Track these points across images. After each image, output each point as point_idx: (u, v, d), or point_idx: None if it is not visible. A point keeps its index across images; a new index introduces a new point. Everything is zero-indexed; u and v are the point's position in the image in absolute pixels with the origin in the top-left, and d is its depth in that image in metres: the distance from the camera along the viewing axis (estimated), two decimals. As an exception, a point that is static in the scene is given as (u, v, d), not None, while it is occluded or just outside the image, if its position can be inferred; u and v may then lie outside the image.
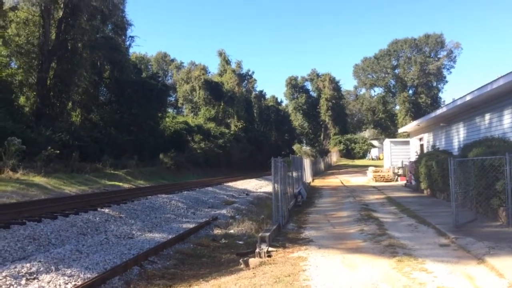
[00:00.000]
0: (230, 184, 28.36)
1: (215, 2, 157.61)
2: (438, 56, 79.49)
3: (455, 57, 79.48)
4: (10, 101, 26.65)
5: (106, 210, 12.55)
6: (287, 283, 5.94)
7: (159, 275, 7.78)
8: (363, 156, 75.40)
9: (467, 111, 15.89)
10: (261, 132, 70.88)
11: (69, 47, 30.70)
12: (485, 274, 6.06)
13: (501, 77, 11.52)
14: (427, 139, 23.06)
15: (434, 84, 79.24)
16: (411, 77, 77.73)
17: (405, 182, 24.15)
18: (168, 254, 9.28)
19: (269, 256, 7.92)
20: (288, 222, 11.52)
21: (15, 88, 28.76)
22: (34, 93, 29.30)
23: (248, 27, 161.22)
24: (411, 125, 26.05)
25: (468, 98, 14.14)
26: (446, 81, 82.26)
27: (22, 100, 29.47)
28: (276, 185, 10.39)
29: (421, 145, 24.61)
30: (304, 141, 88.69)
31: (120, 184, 24.01)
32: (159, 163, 35.62)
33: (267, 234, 8.51)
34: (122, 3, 38.39)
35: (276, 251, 8.21)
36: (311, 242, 8.84)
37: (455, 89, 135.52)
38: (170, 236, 10.65)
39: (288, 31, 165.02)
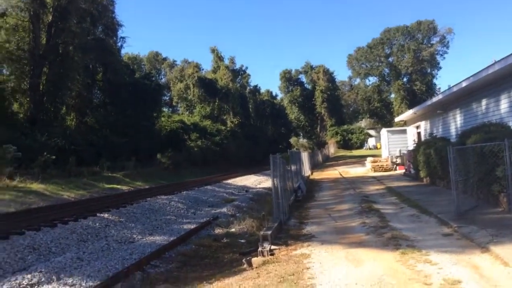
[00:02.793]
0: (229, 181, 28.29)
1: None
2: (431, 42, 79.27)
3: (448, 42, 79.29)
4: (3, 108, 26.48)
5: (106, 215, 12.45)
6: (291, 283, 5.88)
7: (162, 279, 7.70)
8: (361, 146, 75.47)
9: (464, 97, 15.84)
10: (257, 127, 70.75)
11: (60, 51, 30.47)
12: (490, 263, 6.04)
13: (497, 62, 11.46)
14: (424, 126, 23.02)
15: (428, 70, 79.06)
16: (405, 65, 77.55)
17: (403, 171, 24.16)
18: (170, 256, 9.19)
19: (272, 254, 7.86)
20: (289, 218, 11.46)
21: (7, 95, 28.51)
22: (27, 99, 29.08)
23: (239, 22, 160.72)
24: (408, 114, 26.00)
25: (464, 84, 14.09)
26: (440, 67, 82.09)
27: (15, 106, 29.24)
28: (275, 181, 10.32)
29: (418, 133, 24.58)
30: (301, 134, 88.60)
31: (119, 186, 23.91)
32: (157, 163, 35.49)
33: (269, 232, 8.43)
34: (111, 4, 38.08)
35: (279, 249, 8.15)
36: (314, 238, 8.79)
37: (450, 75, 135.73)
38: (171, 238, 10.57)
39: (280, 24, 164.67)
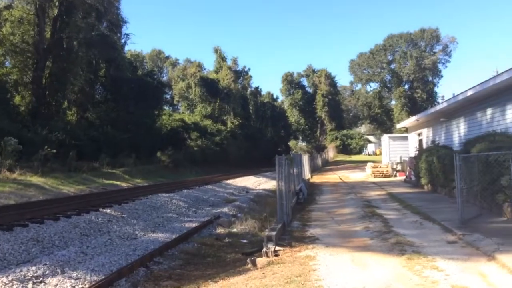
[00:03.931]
0: (229, 181, 28.27)
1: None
2: (434, 50, 79.54)
3: (450, 51, 79.57)
4: (5, 101, 26.44)
5: (108, 211, 12.43)
6: (299, 284, 5.86)
7: (166, 275, 7.69)
8: (360, 152, 75.41)
9: (468, 106, 15.88)
10: (257, 129, 70.76)
11: (65, 46, 30.46)
12: (497, 272, 6.03)
13: (505, 72, 11.49)
14: (427, 134, 23.06)
15: (430, 78, 79.25)
16: (406, 72, 77.68)
17: (404, 177, 24.18)
18: (173, 254, 9.18)
19: (277, 255, 7.85)
20: (292, 220, 11.45)
21: (10, 87, 28.55)
22: (30, 92, 29.07)
23: (243, 23, 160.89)
24: (410, 120, 26.04)
25: (469, 93, 14.12)
26: (442, 76, 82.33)
27: (17, 99, 29.22)
28: (280, 183, 10.30)
29: (420, 140, 24.61)
30: (300, 137, 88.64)
31: (118, 183, 23.88)
32: (157, 161, 35.49)
33: (274, 233, 8.42)
34: (117, 0, 38.08)
35: (283, 250, 8.13)
36: (318, 241, 8.78)
37: (451, 84, 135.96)
38: (173, 236, 10.55)
39: (284, 27, 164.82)
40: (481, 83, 13.14)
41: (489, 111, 14.16)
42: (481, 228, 8.69)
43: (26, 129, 24.73)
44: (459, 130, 17.43)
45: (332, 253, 7.63)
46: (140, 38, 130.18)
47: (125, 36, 41.78)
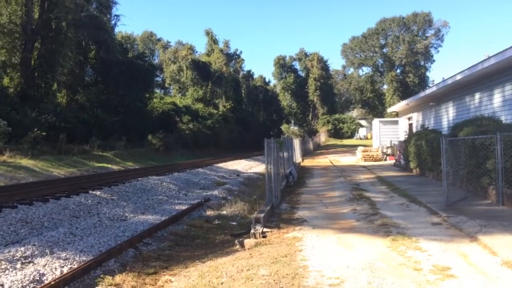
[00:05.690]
0: (220, 165, 28.34)
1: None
2: (426, 35, 79.39)
3: (442, 36, 79.53)
4: (-7, 82, 26.09)
5: (98, 193, 12.46)
6: (284, 264, 5.97)
7: (155, 256, 7.77)
8: (351, 136, 75.79)
9: (457, 90, 15.97)
10: (249, 113, 70.66)
11: (53, 26, 29.98)
12: (478, 252, 6.17)
13: (492, 56, 11.55)
14: (416, 118, 23.20)
15: (422, 63, 79.28)
16: (399, 56, 77.60)
17: (394, 161, 24.40)
18: (162, 235, 9.26)
19: (264, 236, 7.96)
20: (281, 202, 11.56)
21: (-2, 68, 28.14)
22: (18, 73, 28.64)
23: (235, 6, 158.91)
24: (400, 105, 26.15)
25: (458, 77, 14.19)
26: (434, 60, 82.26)
27: (6, 81, 28.82)
28: (269, 166, 10.37)
29: (410, 125, 24.77)
30: (292, 121, 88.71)
31: (109, 166, 23.86)
32: (148, 144, 35.41)
33: (262, 215, 8.52)
34: (106, -20, 37.42)
35: (271, 231, 8.24)
36: (305, 222, 8.90)
37: (442, 68, 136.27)
38: (163, 218, 10.63)
39: (276, 10, 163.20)
40: (469, 68, 13.21)
41: (477, 96, 14.27)
42: (466, 211, 8.86)
43: (15, 111, 24.47)
44: (448, 114, 17.56)
45: (319, 234, 7.74)
46: (131, 20, 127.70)
47: (115, 17, 41.22)
